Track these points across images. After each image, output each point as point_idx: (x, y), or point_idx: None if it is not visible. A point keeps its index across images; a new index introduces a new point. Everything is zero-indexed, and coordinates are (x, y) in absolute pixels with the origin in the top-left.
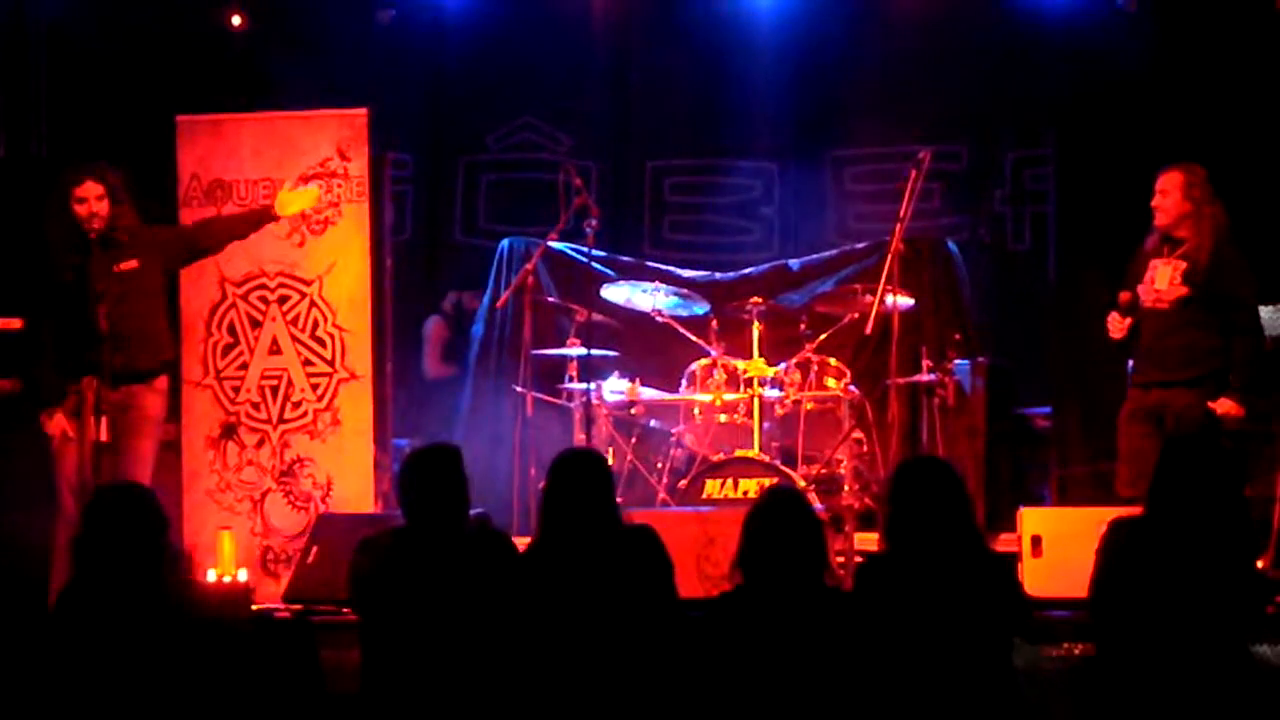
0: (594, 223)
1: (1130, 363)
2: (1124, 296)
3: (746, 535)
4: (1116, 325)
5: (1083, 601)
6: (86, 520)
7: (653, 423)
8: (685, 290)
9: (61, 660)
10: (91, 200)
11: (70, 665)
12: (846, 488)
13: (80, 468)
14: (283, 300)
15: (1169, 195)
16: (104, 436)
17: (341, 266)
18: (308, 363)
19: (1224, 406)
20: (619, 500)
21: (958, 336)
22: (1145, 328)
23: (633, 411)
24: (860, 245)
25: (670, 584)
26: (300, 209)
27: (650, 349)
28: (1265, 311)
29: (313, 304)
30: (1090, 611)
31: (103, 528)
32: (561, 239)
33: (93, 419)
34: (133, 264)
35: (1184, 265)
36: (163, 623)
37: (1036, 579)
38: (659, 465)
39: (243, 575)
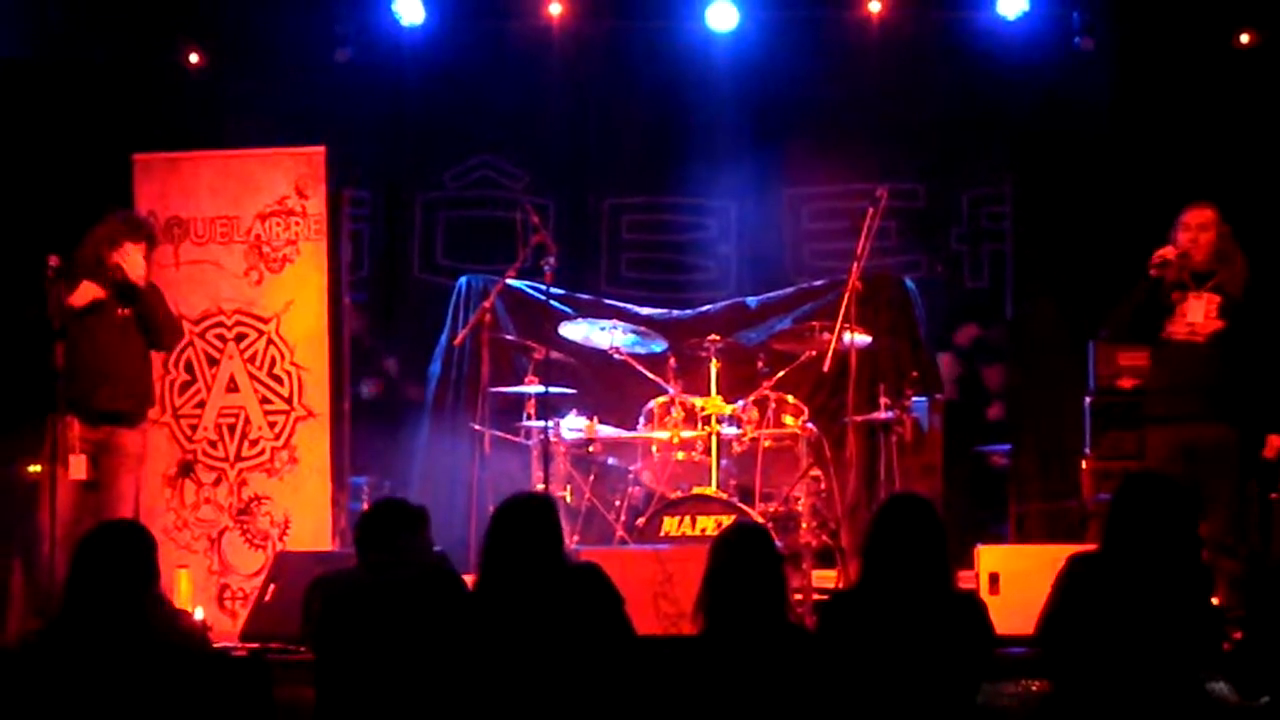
0: (552, 260)
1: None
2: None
3: (712, 570)
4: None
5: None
6: (82, 555)
7: (610, 460)
8: (643, 328)
9: (47, 690)
10: (134, 255)
11: (55, 696)
12: (804, 525)
13: (69, 505)
14: (240, 338)
15: (1207, 231)
16: (84, 475)
17: (299, 304)
18: (265, 400)
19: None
20: (576, 539)
21: (915, 374)
22: (1173, 361)
23: (590, 449)
24: (818, 283)
25: (622, 617)
26: None
27: (608, 387)
28: None
29: (270, 342)
30: (1039, 643)
31: (101, 562)
32: (519, 276)
33: (79, 456)
34: (128, 311)
35: (1217, 299)
36: (154, 655)
37: (994, 617)
38: (617, 503)
39: (199, 613)
